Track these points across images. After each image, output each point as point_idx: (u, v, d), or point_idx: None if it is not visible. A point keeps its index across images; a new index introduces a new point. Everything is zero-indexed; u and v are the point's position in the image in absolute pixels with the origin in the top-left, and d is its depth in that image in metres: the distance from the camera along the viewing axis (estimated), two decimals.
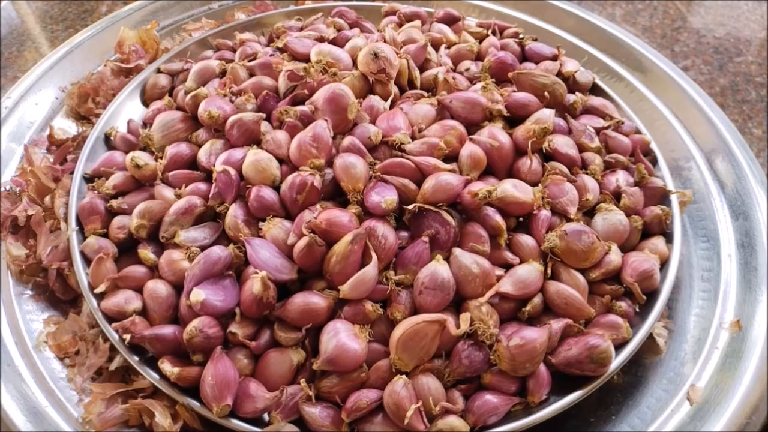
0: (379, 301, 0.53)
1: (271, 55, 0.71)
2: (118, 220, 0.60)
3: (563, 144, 0.63)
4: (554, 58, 0.75)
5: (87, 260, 0.59)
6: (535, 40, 0.79)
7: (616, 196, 0.62)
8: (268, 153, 0.58)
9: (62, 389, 0.56)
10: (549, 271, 0.56)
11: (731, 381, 0.57)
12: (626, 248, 0.60)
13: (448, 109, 0.64)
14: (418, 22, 0.79)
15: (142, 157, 0.63)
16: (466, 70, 0.72)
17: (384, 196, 0.54)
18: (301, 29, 0.81)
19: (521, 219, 0.59)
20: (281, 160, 0.59)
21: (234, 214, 0.56)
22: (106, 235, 0.61)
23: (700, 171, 0.74)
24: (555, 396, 0.52)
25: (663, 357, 0.60)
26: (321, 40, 0.74)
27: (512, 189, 0.57)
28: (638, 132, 0.71)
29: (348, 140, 0.59)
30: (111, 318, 0.55)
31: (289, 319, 0.52)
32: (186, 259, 0.55)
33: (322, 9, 0.86)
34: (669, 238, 0.62)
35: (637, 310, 0.57)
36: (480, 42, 0.78)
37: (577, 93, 0.71)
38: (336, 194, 0.58)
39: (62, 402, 0.55)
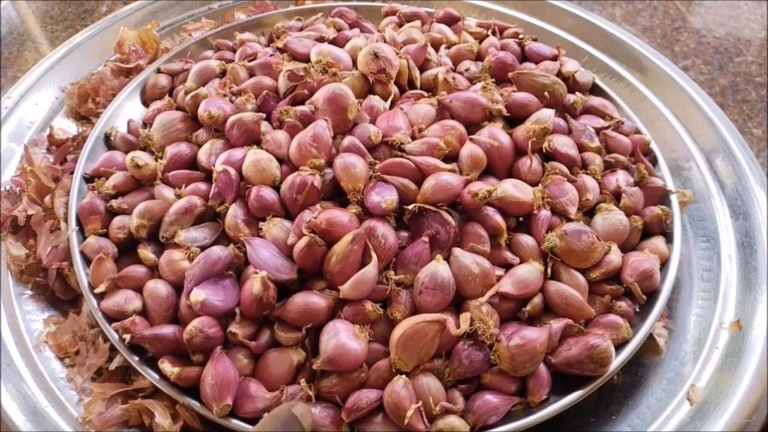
0: (379, 301, 0.53)
1: (271, 55, 0.71)
2: (118, 220, 0.60)
3: (563, 144, 0.63)
4: (554, 58, 0.75)
5: (87, 260, 0.59)
6: (535, 40, 0.79)
7: (616, 196, 0.62)
8: (268, 153, 0.58)
9: (62, 389, 0.56)
10: (549, 271, 0.56)
11: (731, 381, 0.57)
12: (626, 248, 0.60)
13: (448, 109, 0.64)
14: (418, 22, 0.79)
15: (142, 157, 0.63)
16: (466, 70, 0.72)
17: (384, 196, 0.54)
18: (301, 29, 0.81)
19: (521, 219, 0.59)
20: (281, 160, 0.59)
21: (234, 214, 0.56)
22: (106, 235, 0.61)
23: (700, 171, 0.74)
24: (555, 396, 0.52)
25: (663, 357, 0.60)
26: (321, 40, 0.74)
27: (512, 189, 0.57)
28: (638, 132, 0.71)
29: (348, 140, 0.59)
30: (111, 318, 0.55)
31: (289, 319, 0.52)
32: (186, 259, 0.55)
33: (322, 9, 0.86)
34: (669, 238, 0.62)
35: (637, 310, 0.57)
36: (480, 42, 0.78)
37: (577, 93, 0.71)
38: (336, 194, 0.58)
39: (62, 402, 0.55)
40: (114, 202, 0.62)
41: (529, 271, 0.55)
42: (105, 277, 0.56)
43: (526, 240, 0.57)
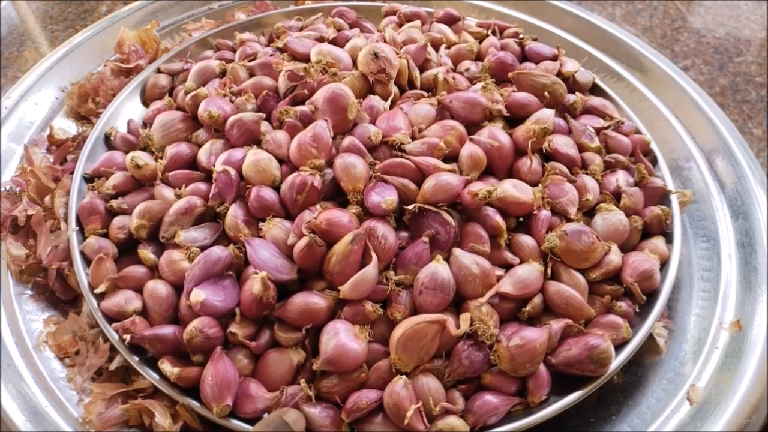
0: (379, 301, 0.53)
1: (271, 55, 0.71)
2: (118, 220, 0.60)
3: (563, 144, 0.63)
4: (554, 58, 0.75)
5: (87, 260, 0.59)
6: (535, 40, 0.79)
7: (616, 196, 0.62)
8: (268, 153, 0.58)
9: (62, 389, 0.56)
10: (549, 271, 0.56)
11: (731, 381, 0.57)
12: (626, 248, 0.60)
13: (448, 109, 0.64)
14: (418, 22, 0.79)
15: (142, 157, 0.63)
16: (466, 70, 0.72)
17: (384, 196, 0.54)
18: (301, 29, 0.81)
19: (521, 219, 0.59)
20: (281, 160, 0.59)
21: (234, 214, 0.56)
22: (106, 235, 0.61)
23: (700, 171, 0.74)
24: (555, 396, 0.52)
25: (663, 357, 0.60)
26: (321, 40, 0.74)
27: (512, 189, 0.57)
28: (638, 132, 0.71)
29: (348, 140, 0.59)
30: (111, 318, 0.55)
31: (289, 319, 0.52)
32: (186, 259, 0.55)
33: (322, 9, 0.86)
34: (669, 238, 0.62)
35: (637, 310, 0.57)
36: (480, 42, 0.78)
37: (577, 93, 0.71)
38: (336, 194, 0.58)
39: (62, 402, 0.55)
40: (114, 202, 0.61)
41: (529, 272, 0.55)
42: (105, 277, 0.56)
43: (526, 240, 0.57)
